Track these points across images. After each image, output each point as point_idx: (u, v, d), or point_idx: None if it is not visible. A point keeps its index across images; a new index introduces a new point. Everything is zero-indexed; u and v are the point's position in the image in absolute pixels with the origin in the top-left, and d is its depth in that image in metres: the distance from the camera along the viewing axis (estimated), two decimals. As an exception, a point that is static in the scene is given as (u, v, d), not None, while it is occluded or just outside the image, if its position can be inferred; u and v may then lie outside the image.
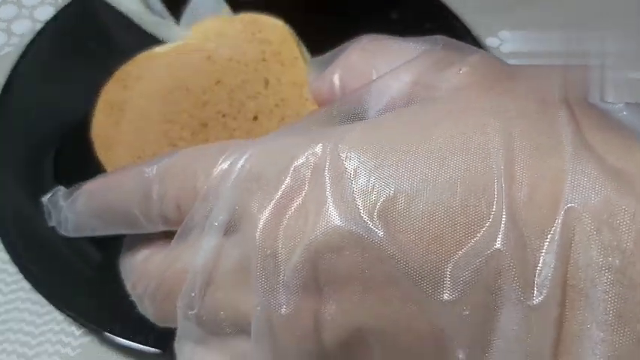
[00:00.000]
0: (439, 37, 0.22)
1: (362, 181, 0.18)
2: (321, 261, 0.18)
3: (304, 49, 0.32)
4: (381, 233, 0.17)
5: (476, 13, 0.37)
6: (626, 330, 0.16)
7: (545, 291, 0.16)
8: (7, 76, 0.34)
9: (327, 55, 0.26)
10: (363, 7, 0.37)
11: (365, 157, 0.18)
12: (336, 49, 0.25)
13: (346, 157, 0.18)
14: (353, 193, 0.18)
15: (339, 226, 0.18)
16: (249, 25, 0.32)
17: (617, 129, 0.17)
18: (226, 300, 0.20)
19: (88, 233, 0.24)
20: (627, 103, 0.18)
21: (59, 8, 0.37)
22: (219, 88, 0.31)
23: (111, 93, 0.31)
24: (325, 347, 0.18)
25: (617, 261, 0.16)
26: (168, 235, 0.22)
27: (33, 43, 0.35)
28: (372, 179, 0.18)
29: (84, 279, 0.30)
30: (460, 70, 0.20)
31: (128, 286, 0.24)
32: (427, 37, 0.22)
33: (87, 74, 0.33)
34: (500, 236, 0.16)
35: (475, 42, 0.36)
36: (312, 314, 0.18)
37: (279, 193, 0.19)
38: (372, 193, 0.18)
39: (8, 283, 0.31)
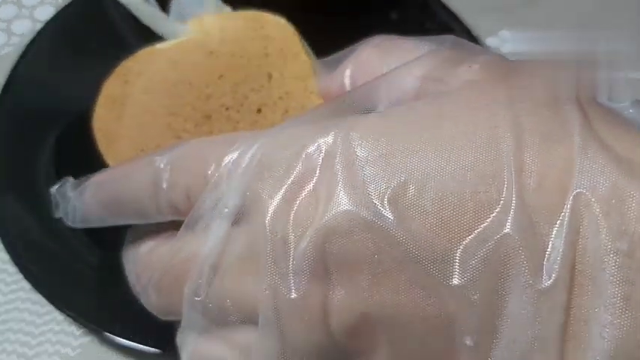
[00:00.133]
0: (449, 37, 0.22)
1: (373, 168, 0.18)
2: (330, 246, 0.18)
3: (307, 45, 0.32)
4: (391, 218, 0.17)
5: (476, 13, 0.37)
6: (633, 313, 0.16)
7: (554, 275, 0.16)
8: (7, 76, 0.34)
9: (336, 55, 0.26)
10: (363, 7, 0.37)
11: (376, 145, 0.18)
12: (345, 50, 0.25)
13: (358, 144, 0.18)
14: (364, 179, 0.18)
15: (349, 210, 0.18)
16: (251, 22, 0.33)
17: (625, 123, 0.18)
18: (233, 287, 0.20)
19: (96, 224, 0.24)
20: (633, 102, 0.19)
21: (59, 8, 0.37)
22: (222, 82, 0.31)
23: (112, 88, 0.31)
24: (333, 334, 0.18)
25: (625, 245, 0.16)
26: (174, 228, 0.22)
27: (33, 43, 0.35)
28: (383, 166, 0.18)
29: (84, 279, 0.30)
30: (470, 66, 0.20)
31: (131, 278, 0.24)
32: (438, 37, 0.22)
33: (87, 74, 0.33)
34: (509, 221, 0.17)
35: (475, 42, 0.36)
36: (321, 299, 0.18)
37: (290, 179, 0.19)
38: (383, 180, 0.18)
39: (8, 283, 0.31)
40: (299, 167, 0.19)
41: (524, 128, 0.17)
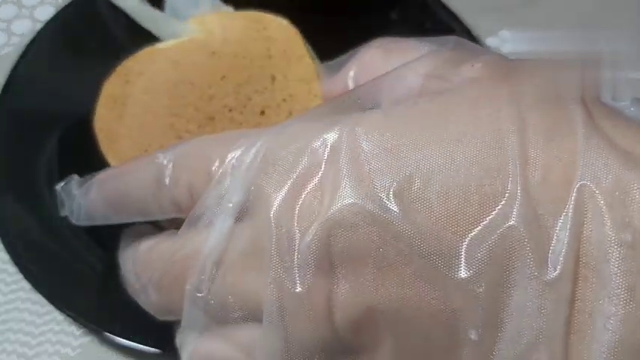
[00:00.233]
0: (452, 38, 0.22)
1: (378, 162, 0.18)
2: (335, 239, 0.18)
3: (310, 48, 0.32)
4: (396, 211, 0.17)
5: (476, 13, 0.37)
6: (638, 304, 0.16)
7: (558, 267, 0.16)
8: (7, 76, 0.34)
9: (339, 59, 0.26)
10: (363, 7, 0.37)
11: (382, 140, 0.18)
12: (348, 54, 0.25)
13: (363, 139, 0.18)
14: (369, 173, 0.18)
15: (354, 203, 0.18)
16: (254, 23, 0.32)
17: (627, 120, 0.18)
18: (237, 283, 0.20)
19: (101, 222, 0.24)
20: (633, 100, 0.19)
21: (59, 8, 0.37)
22: (224, 82, 0.31)
23: (113, 87, 0.31)
24: (337, 329, 0.18)
25: (629, 236, 0.16)
26: (174, 227, 0.22)
27: (33, 43, 0.35)
28: (389, 160, 0.18)
29: (84, 279, 0.30)
30: (473, 65, 0.20)
31: (129, 278, 0.24)
32: (440, 37, 0.23)
33: (87, 74, 0.33)
34: (514, 214, 0.17)
35: (475, 42, 0.36)
36: (326, 294, 0.18)
37: (295, 174, 0.19)
38: (389, 174, 0.18)
39: (8, 283, 0.31)
40: (304, 162, 0.19)
41: (528, 123, 0.17)
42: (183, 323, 0.21)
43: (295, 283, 0.18)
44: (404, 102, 0.20)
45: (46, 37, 0.35)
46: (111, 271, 0.30)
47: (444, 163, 0.18)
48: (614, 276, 0.16)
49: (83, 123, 0.30)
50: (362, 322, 0.18)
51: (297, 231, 0.18)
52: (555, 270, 0.16)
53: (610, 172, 0.16)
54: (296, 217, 0.19)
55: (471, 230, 0.17)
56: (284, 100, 0.30)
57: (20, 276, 0.29)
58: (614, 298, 0.16)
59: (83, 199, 0.24)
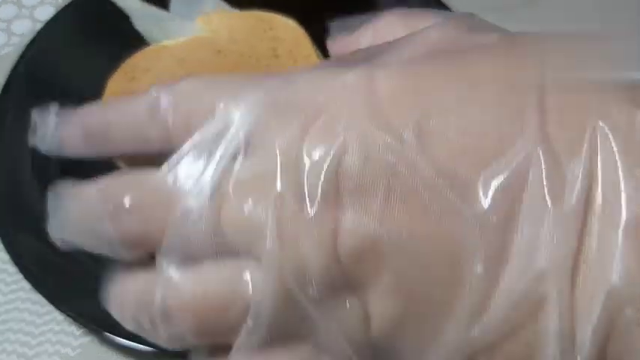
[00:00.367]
0: (468, 13, 0.22)
1: (396, 100, 0.18)
2: (346, 168, 0.18)
3: (317, 48, 0.32)
4: (412, 144, 0.18)
5: (476, 13, 0.37)
6: None
7: (572, 201, 0.17)
8: (7, 76, 0.34)
9: (347, 20, 0.25)
10: (364, 7, 0.37)
11: (400, 82, 0.18)
12: (359, 18, 0.25)
13: (381, 80, 0.18)
14: (386, 109, 0.18)
15: (368, 134, 0.18)
16: (260, 22, 0.32)
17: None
18: (233, 212, 0.19)
19: (70, 154, 0.22)
20: None
21: (59, 8, 0.37)
22: None
23: (117, 84, 0.31)
24: (339, 257, 0.18)
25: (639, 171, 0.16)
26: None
27: (33, 43, 0.35)
28: (407, 98, 0.18)
29: (84, 279, 0.30)
30: (487, 34, 0.20)
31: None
32: (457, 12, 0.22)
33: (87, 74, 0.33)
34: (530, 149, 0.17)
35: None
36: (332, 221, 0.18)
37: (308, 110, 0.19)
38: (406, 110, 0.18)
39: (8, 283, 0.31)
40: (319, 99, 0.19)
41: (546, 76, 0.18)
42: (162, 249, 0.20)
43: (302, 208, 0.18)
44: (420, 57, 0.20)
45: (46, 37, 0.35)
46: (111, 271, 0.30)
47: (464, 103, 0.18)
48: (624, 211, 0.16)
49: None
50: (365, 253, 0.18)
51: (306, 158, 0.18)
52: (567, 205, 0.17)
53: (623, 113, 0.17)
54: (305, 147, 0.18)
55: (487, 164, 0.17)
56: None
57: (20, 276, 0.29)
58: (621, 232, 0.16)
59: (59, 129, 0.22)
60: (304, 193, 0.18)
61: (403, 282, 0.18)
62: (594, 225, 0.17)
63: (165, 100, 0.20)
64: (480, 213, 0.17)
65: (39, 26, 0.36)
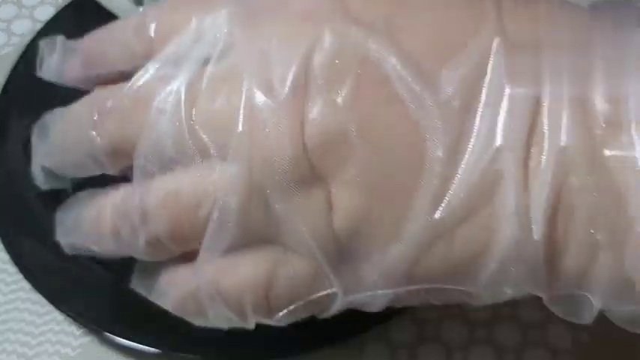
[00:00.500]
0: None
1: (364, 3, 0.20)
2: (315, 61, 0.19)
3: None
4: (380, 36, 0.19)
5: None
6: (584, 116, 0.18)
7: (525, 84, 0.18)
8: (7, 76, 0.34)
9: None
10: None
11: None
12: None
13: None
14: (357, 7, 0.19)
15: (339, 28, 0.19)
16: None
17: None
18: (205, 109, 0.20)
19: (73, 79, 0.24)
20: None
21: (59, 8, 0.37)
22: None
23: None
24: (306, 146, 0.19)
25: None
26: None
27: (33, 43, 0.35)
28: (372, 4, 0.20)
29: (84, 279, 0.30)
30: None
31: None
32: None
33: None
34: (490, 41, 0.19)
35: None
36: (300, 108, 0.19)
37: (277, 12, 0.20)
38: (375, 8, 0.19)
39: (8, 283, 0.31)
40: (287, 2, 0.20)
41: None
42: (138, 149, 0.21)
43: (270, 99, 0.19)
44: None
45: (46, 37, 0.35)
46: (111, 271, 0.30)
47: (431, 5, 0.20)
48: (569, 90, 0.18)
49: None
50: (332, 143, 0.19)
51: (276, 53, 0.19)
52: (522, 86, 0.18)
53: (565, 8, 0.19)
54: (275, 43, 0.19)
55: (450, 56, 0.19)
56: None
57: (20, 276, 0.29)
58: (568, 108, 0.18)
59: (62, 59, 0.24)
60: (273, 87, 0.19)
61: (368, 172, 0.19)
62: (545, 104, 0.18)
63: (149, 17, 0.22)
64: (442, 100, 0.18)
65: (39, 26, 0.37)
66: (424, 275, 0.19)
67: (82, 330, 0.30)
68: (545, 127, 0.18)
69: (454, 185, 0.18)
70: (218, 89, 0.20)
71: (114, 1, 0.35)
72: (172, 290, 0.22)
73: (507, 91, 0.18)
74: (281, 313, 0.21)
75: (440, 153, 0.18)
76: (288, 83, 0.19)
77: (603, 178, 0.17)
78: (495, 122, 0.18)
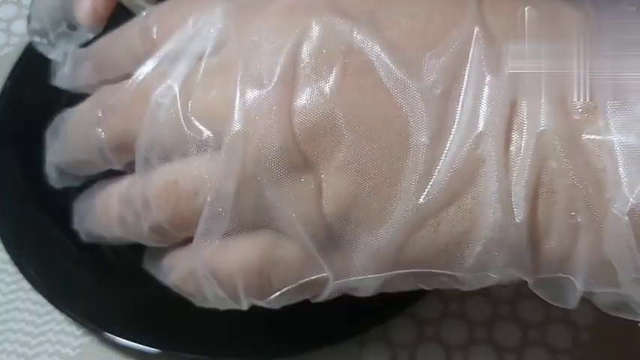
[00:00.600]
0: None
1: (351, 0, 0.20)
2: (304, 50, 0.19)
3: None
4: (366, 26, 0.19)
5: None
6: (557, 105, 0.18)
7: (505, 72, 0.19)
8: (7, 76, 0.34)
9: None
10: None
11: None
12: None
13: None
14: (341, 4, 0.20)
15: (326, 19, 0.20)
16: None
17: None
18: (200, 100, 0.20)
19: (87, 86, 0.25)
20: None
21: (59, 8, 0.37)
22: None
23: None
24: (295, 135, 0.19)
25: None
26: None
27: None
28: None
29: (84, 279, 0.30)
30: None
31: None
32: None
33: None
34: (471, 31, 0.19)
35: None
36: (289, 96, 0.19)
37: (268, 7, 0.21)
38: (359, 1, 0.20)
39: (8, 283, 0.31)
40: (280, 6, 0.21)
41: None
42: (139, 141, 0.21)
43: (261, 86, 0.19)
44: None
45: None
46: (111, 271, 0.30)
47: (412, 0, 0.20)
48: (546, 79, 0.19)
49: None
50: (320, 129, 0.19)
51: (266, 44, 0.20)
52: (503, 74, 0.19)
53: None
54: (265, 33, 0.20)
55: (432, 45, 0.19)
56: None
57: (20, 276, 0.29)
58: (545, 95, 0.18)
59: (75, 67, 0.25)
60: (263, 77, 0.19)
61: (356, 157, 0.19)
62: (524, 90, 0.19)
63: (150, 18, 0.23)
64: (425, 87, 0.19)
65: (39, 26, 0.36)
66: (412, 259, 0.20)
67: (82, 330, 0.30)
68: (525, 113, 0.19)
69: (438, 170, 0.19)
70: (212, 81, 0.20)
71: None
72: (173, 270, 0.23)
73: (488, 78, 0.19)
74: (273, 296, 0.21)
75: (424, 139, 0.19)
76: (277, 73, 0.19)
77: (581, 161, 0.18)
78: (477, 108, 0.19)
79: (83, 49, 0.25)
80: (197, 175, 0.21)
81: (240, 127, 0.19)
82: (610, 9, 0.20)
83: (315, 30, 0.20)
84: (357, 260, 0.20)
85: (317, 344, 0.28)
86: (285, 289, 0.21)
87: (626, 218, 0.17)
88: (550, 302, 0.20)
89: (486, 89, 0.19)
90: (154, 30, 0.22)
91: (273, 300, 0.21)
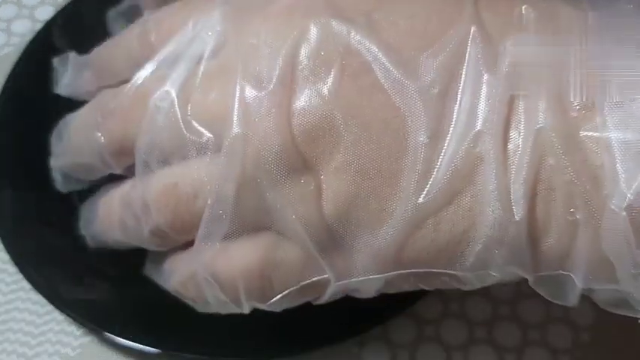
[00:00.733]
0: None
1: (349, 1, 0.20)
2: (302, 52, 0.20)
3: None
4: (364, 27, 0.20)
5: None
6: (555, 101, 0.19)
7: (503, 70, 0.19)
8: (7, 76, 0.34)
9: None
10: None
11: None
12: None
13: None
14: (340, 2, 0.20)
15: (324, 21, 0.20)
16: None
17: None
18: (199, 102, 0.21)
19: (88, 93, 0.25)
20: None
21: (59, 8, 0.37)
22: None
23: None
24: (295, 136, 0.19)
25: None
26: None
27: (33, 43, 0.35)
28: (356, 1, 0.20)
29: (84, 279, 0.30)
30: None
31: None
32: None
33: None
34: (468, 31, 0.19)
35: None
36: (288, 98, 0.19)
37: (266, 9, 0.21)
38: (356, 3, 0.20)
39: (8, 283, 0.31)
40: (277, 8, 0.21)
41: None
42: (139, 143, 0.22)
43: (259, 88, 0.19)
44: None
45: (46, 37, 0.35)
46: (111, 271, 0.30)
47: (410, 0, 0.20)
48: (545, 76, 0.19)
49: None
50: (320, 130, 0.19)
51: (265, 47, 0.20)
52: (500, 72, 0.19)
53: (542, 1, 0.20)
54: (263, 36, 0.20)
55: (429, 45, 0.19)
56: None
57: (20, 276, 0.29)
58: (544, 93, 0.18)
59: (76, 75, 0.25)
60: (262, 79, 0.19)
61: (355, 158, 0.19)
62: (522, 88, 0.19)
63: (149, 23, 0.23)
64: (422, 87, 0.19)
65: (39, 26, 0.36)
66: (413, 259, 0.20)
67: (82, 330, 0.30)
68: (523, 111, 0.19)
69: (437, 169, 0.19)
70: (211, 84, 0.20)
71: None
72: (174, 274, 0.23)
73: (485, 77, 0.19)
74: (274, 299, 0.21)
75: (422, 138, 0.19)
76: (276, 75, 0.19)
77: (579, 158, 0.18)
78: (475, 107, 0.19)
79: (83, 56, 0.25)
80: (197, 178, 0.21)
81: (239, 129, 0.19)
82: (607, 7, 0.20)
83: (313, 32, 0.20)
84: (358, 261, 0.20)
85: (317, 344, 0.28)
86: (286, 292, 0.21)
87: (624, 214, 0.17)
88: (550, 300, 0.20)
89: (484, 88, 0.19)
90: (153, 34, 0.22)
91: (275, 303, 0.21)
